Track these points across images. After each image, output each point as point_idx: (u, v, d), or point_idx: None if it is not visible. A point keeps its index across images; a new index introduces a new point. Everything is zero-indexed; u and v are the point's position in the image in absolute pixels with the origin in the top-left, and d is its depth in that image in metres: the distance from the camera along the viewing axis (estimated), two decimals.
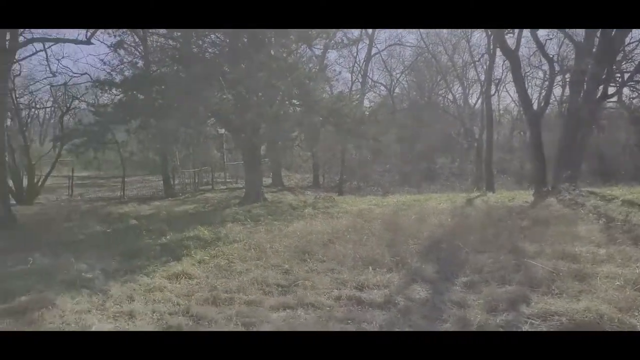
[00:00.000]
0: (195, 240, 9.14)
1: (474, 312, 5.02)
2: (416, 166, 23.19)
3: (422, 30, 28.38)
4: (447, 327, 4.75)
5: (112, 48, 14.35)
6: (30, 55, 19.86)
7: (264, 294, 5.95)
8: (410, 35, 35.10)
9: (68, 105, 20.95)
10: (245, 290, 6.05)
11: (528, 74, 26.33)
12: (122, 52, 15.61)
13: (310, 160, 21.26)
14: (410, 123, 25.41)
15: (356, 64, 28.58)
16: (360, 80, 27.48)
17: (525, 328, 4.66)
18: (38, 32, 14.37)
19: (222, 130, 19.36)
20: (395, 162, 22.84)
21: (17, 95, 20.74)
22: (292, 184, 22.71)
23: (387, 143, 13.99)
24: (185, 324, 4.98)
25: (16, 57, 15.14)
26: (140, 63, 18.43)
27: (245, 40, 13.00)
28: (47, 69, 18.96)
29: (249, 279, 6.46)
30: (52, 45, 18.15)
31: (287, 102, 13.20)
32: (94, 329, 4.91)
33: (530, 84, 28.47)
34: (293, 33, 11.90)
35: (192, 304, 5.55)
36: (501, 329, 4.62)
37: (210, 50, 13.14)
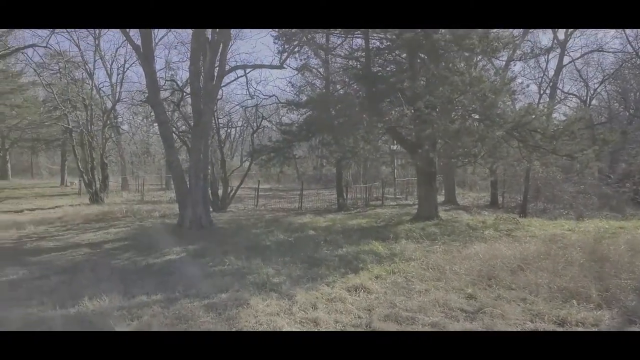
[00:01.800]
0: (370, 254, 9.20)
1: None
2: (619, 188, 19.88)
3: (628, 31, 24.60)
4: None
5: (298, 71, 15.53)
6: (232, 81, 22.59)
7: (447, 318, 5.64)
8: (614, 41, 30.83)
9: (258, 124, 23.28)
10: (427, 312, 5.82)
11: None
12: (307, 74, 16.76)
13: (488, 177, 19.91)
14: (611, 138, 21.91)
15: (545, 75, 26.11)
16: (548, 92, 24.95)
17: None
18: (240, 60, 16.21)
19: (395, 146, 19.40)
20: (591, 183, 19.91)
21: (218, 116, 23.80)
22: (466, 203, 21.59)
23: (583, 160, 12.22)
24: None
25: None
26: (320, 84, 19.66)
27: (424, 56, 12.84)
28: (247, 92, 21.30)
29: (429, 300, 6.23)
30: (250, 70, 20.33)
31: (467, 117, 12.58)
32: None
33: None
34: (477, 45, 11.34)
35: (373, 319, 5.51)
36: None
37: (389, 67, 13.31)
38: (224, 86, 20.68)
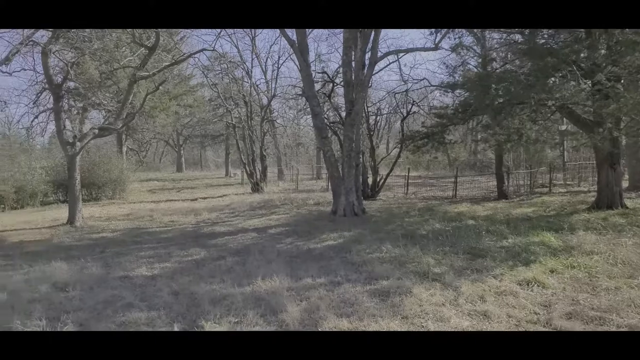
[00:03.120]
0: (542, 246, 8.41)
1: None
2: None
3: None
4: None
5: (452, 50, 14.66)
6: (382, 68, 22.51)
7: None
8: None
9: (408, 110, 22.72)
10: (620, 312, 5.06)
11: None
12: (462, 52, 15.75)
13: None
14: None
15: None
16: None
17: None
18: (388, 45, 15.90)
19: (564, 126, 17.25)
20: None
21: (368, 104, 23.84)
22: None
23: None
24: None
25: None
26: (474, 62, 18.34)
27: None
28: (400, 77, 20.95)
29: (622, 299, 5.46)
30: (402, 55, 19.85)
31: None
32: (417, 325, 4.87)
33: None
34: None
35: (553, 316, 4.99)
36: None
37: (560, 37, 11.73)
38: (374, 74, 20.71)
